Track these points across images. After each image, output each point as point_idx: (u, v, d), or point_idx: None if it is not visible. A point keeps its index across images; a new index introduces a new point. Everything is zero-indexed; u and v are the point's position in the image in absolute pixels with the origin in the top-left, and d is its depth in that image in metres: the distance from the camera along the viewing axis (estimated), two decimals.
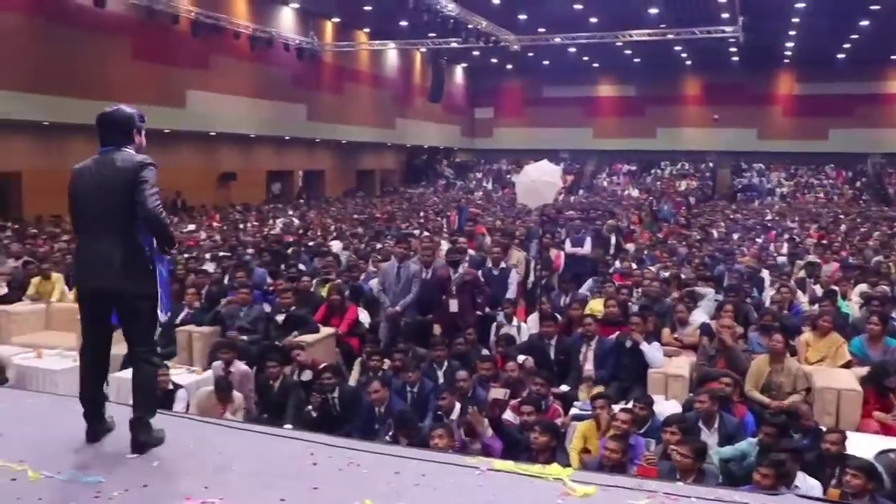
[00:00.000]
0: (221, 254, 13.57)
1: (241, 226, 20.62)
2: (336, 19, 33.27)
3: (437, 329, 8.78)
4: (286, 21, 30.45)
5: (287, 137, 31.52)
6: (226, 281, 11.03)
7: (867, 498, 4.65)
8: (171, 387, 7.11)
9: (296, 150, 33.41)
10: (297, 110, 31.22)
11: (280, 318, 9.01)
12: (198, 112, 25.54)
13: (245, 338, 8.64)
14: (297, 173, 35.17)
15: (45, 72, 20.11)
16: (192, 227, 20.24)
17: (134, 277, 3.83)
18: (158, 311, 3.91)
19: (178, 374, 7.82)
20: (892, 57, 37.19)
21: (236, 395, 7.01)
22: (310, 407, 6.95)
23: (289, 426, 6.06)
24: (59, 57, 20.58)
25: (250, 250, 14.24)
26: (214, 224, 21.65)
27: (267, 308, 9.41)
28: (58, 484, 3.47)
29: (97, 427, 3.98)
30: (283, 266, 12.21)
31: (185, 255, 13.29)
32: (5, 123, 20.39)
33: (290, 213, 25.36)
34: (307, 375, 7.50)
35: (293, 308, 9.16)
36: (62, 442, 3.99)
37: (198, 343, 8.84)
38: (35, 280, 10.88)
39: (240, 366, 7.65)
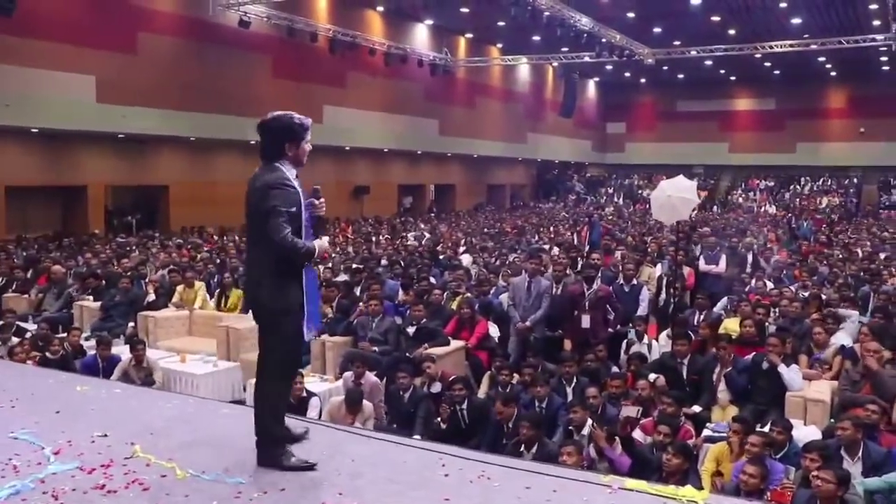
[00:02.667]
0: (354, 266, 13.90)
1: (374, 238, 21.07)
2: (469, 35, 33.66)
3: (567, 344, 8.74)
4: (420, 37, 31.05)
5: (419, 152, 32.07)
6: (357, 292, 11.29)
7: None
8: (304, 394, 7.33)
9: (427, 164, 33.95)
10: (430, 125, 31.72)
11: (411, 330, 9.15)
12: (334, 127, 26.31)
13: (376, 349, 8.82)
14: (428, 187, 35.69)
15: (192, 90, 21.26)
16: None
17: (269, 293, 3.75)
18: (304, 328, 3.77)
19: (312, 382, 8.06)
20: None
21: (366, 405, 7.15)
22: (438, 418, 7.03)
23: (417, 437, 6.15)
24: (205, 76, 21.76)
25: (384, 262, 14.53)
26: (347, 236, 22.20)
27: (398, 320, 9.58)
28: (203, 483, 3.66)
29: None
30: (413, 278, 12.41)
31: (320, 267, 13.67)
32: (156, 139, 21.67)
33: (422, 226, 25.73)
34: (437, 387, 7.59)
35: (424, 320, 9.29)
36: (206, 443, 4.21)
37: (330, 352, 9.08)
38: (179, 288, 11.48)
39: (370, 377, 7.81)
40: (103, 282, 11.95)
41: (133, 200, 24.32)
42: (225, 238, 20.13)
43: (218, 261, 14.65)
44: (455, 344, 8.97)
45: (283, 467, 3.80)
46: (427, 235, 21.81)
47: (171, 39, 21.33)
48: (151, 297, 11.62)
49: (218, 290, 11.81)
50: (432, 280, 12.45)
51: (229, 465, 3.83)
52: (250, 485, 3.62)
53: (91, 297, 11.57)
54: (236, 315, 10.95)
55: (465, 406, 6.99)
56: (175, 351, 9.60)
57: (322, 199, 4.04)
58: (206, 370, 8.84)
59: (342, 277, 12.49)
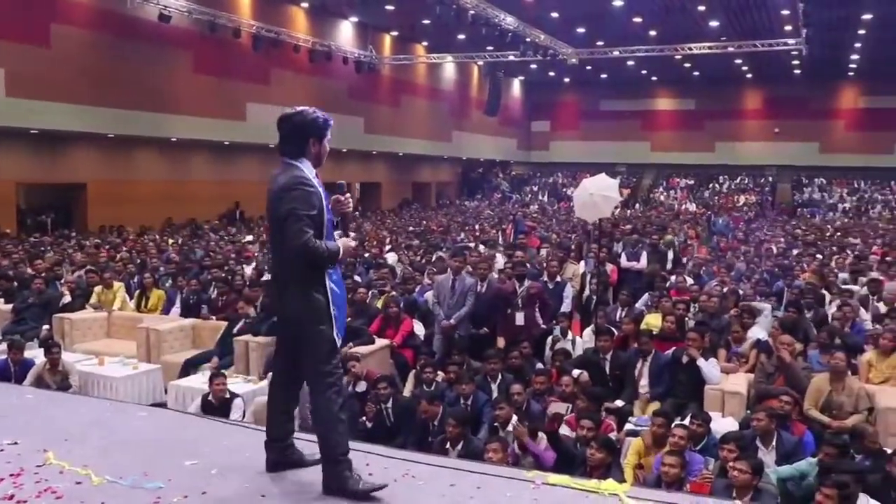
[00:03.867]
0: None
1: None
2: (394, 33, 33.58)
3: (501, 342, 8.78)
4: (345, 34, 30.83)
5: (344, 150, 31.80)
6: None
7: None
8: (227, 395, 7.22)
9: (352, 162, 33.73)
10: (355, 123, 31.51)
11: None
12: (257, 125, 25.88)
13: None
14: (353, 185, 35.50)
15: (110, 85, 20.66)
16: (249, 237, 20.55)
17: (295, 301, 3.54)
18: (335, 336, 3.55)
19: (235, 383, 7.94)
20: None
21: None
22: (364, 418, 7.00)
23: None
24: (124, 71, 21.13)
25: None
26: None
27: None
28: (120, 489, 3.55)
29: (276, 458, 3.79)
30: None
31: (245, 267, 13.51)
32: (72, 136, 21.03)
33: None
34: (362, 386, 7.55)
35: (349, 319, 9.23)
36: (125, 447, 4.09)
37: (254, 353, 8.94)
38: (97, 289, 11.19)
39: None
40: (15, 283, 11.57)
41: (48, 199, 23.52)
42: (145, 237, 19.68)
43: (138, 261, 14.31)
44: (380, 342, 8.94)
45: (350, 492, 3.44)
46: (352, 234, 21.64)
47: (86, 32, 20.66)
48: (67, 298, 11.28)
49: (138, 291, 11.54)
50: (357, 279, 12.39)
51: (148, 470, 3.73)
52: (170, 489, 3.53)
53: (2, 300, 11.19)
54: (157, 316, 10.75)
55: (390, 405, 6.97)
56: (93, 354, 9.34)
57: (348, 195, 3.81)
58: (126, 373, 8.61)
59: (267, 276, 12.35)
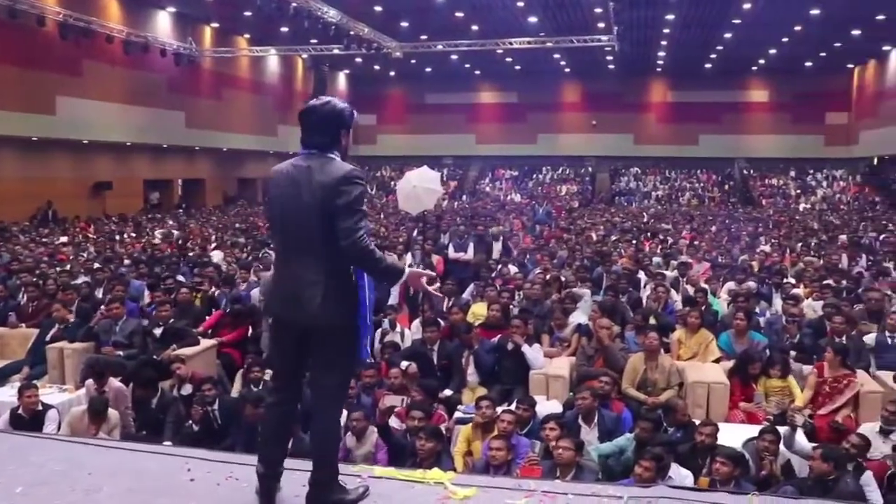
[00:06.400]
0: (95, 266, 13.08)
1: (117, 237, 19.92)
2: (215, 24, 32.58)
3: None
4: (162, 25, 29.58)
5: (165, 145, 30.66)
6: (99, 294, 10.67)
7: (733, 484, 4.91)
8: (40, 407, 6.80)
9: (174, 158, 32.51)
10: (175, 117, 30.39)
11: (158, 331, 8.76)
12: (69, 119, 24.48)
13: (121, 353, 8.36)
14: (176, 182, 34.27)
15: None
16: (64, 239, 19.41)
17: (332, 308, 3.23)
18: (364, 346, 3.35)
19: (49, 393, 7.50)
20: (753, 68, 39.27)
21: (112, 413, 6.75)
22: (190, 421, 6.78)
23: (168, 442, 5.91)
24: None
25: (127, 261, 13.79)
26: (88, 235, 20.82)
27: (144, 321, 9.14)
28: None
29: (273, 486, 3.43)
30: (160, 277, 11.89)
31: (58, 269, 12.78)
32: None
33: (170, 222, 24.66)
34: (187, 389, 7.32)
35: (172, 321, 8.93)
36: None
37: (70, 360, 8.48)
38: None
39: (114, 383, 7.37)
40: None
41: None
42: None
43: None
44: (205, 343, 8.71)
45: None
46: (175, 232, 20.93)
47: None
48: None
49: None
50: (181, 278, 11.99)
51: None
52: None
53: None
54: None
55: (216, 406, 6.80)
56: None
57: None
58: None
59: (82, 279, 11.73)
